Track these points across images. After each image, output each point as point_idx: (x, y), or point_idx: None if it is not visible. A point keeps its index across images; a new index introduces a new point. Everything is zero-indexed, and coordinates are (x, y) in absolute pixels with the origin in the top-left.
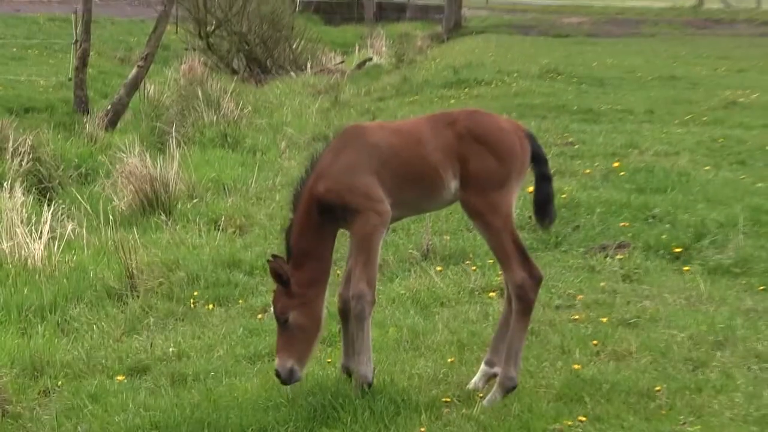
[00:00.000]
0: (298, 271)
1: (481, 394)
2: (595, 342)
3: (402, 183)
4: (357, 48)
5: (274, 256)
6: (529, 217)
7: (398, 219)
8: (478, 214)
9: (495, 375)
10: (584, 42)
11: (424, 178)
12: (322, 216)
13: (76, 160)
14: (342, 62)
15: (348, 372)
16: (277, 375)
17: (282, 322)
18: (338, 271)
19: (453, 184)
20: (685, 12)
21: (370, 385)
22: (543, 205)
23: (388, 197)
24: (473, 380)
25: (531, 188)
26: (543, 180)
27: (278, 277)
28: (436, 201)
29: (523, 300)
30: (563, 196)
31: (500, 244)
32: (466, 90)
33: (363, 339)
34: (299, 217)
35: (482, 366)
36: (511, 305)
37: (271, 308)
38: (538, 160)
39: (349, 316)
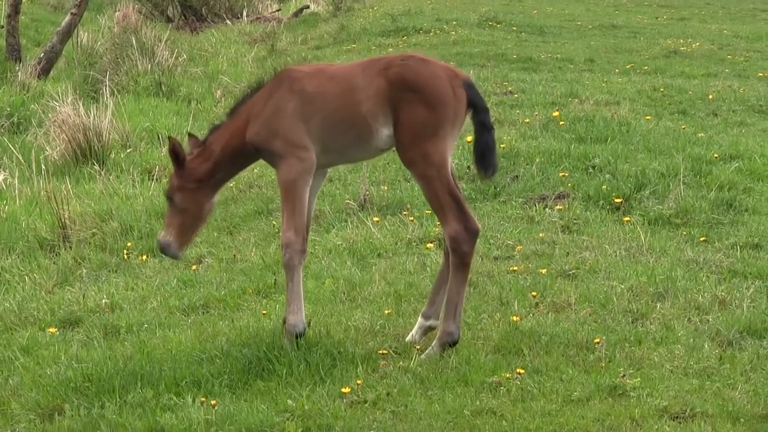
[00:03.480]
0: (198, 162)
1: (418, 347)
2: (534, 293)
3: (331, 130)
4: None
5: (172, 138)
6: (468, 167)
7: (328, 166)
8: (411, 163)
9: (432, 328)
10: None
11: (354, 125)
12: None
13: (8, 109)
14: (278, 10)
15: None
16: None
17: (168, 199)
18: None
19: (384, 132)
20: None
21: (299, 335)
22: (482, 155)
23: (317, 144)
24: (410, 333)
25: (470, 138)
26: (482, 129)
27: (174, 156)
28: (366, 149)
29: (457, 253)
30: (502, 145)
31: (434, 194)
32: (405, 38)
33: (293, 288)
34: (229, 132)
35: (419, 319)
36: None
37: None
38: (477, 108)
39: None
